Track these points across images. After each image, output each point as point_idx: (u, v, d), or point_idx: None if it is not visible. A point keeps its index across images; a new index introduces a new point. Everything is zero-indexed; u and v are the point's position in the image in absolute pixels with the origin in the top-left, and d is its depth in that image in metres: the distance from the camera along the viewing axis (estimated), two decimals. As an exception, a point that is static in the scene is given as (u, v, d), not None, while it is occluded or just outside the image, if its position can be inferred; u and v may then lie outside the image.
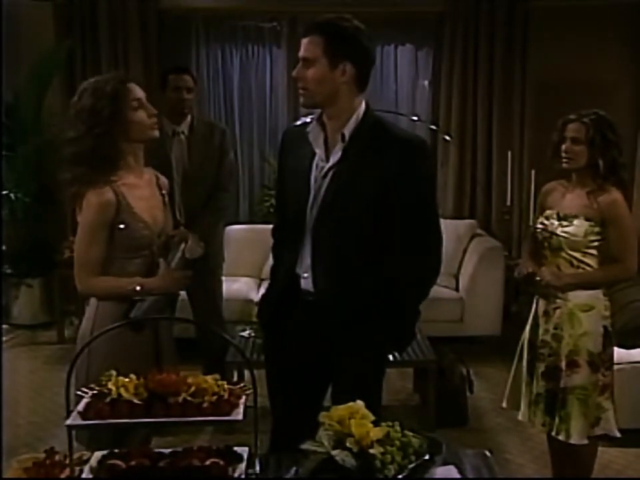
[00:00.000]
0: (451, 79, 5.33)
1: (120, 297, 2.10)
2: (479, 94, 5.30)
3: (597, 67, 5.25)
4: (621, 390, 3.08)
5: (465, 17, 5.22)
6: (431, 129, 5.37)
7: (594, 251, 2.61)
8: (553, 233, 2.65)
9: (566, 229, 2.61)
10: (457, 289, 4.85)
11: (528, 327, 2.79)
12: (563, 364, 2.62)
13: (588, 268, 2.61)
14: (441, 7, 5.29)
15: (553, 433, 2.65)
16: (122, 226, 2.09)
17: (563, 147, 2.62)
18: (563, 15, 5.14)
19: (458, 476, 1.65)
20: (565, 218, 2.63)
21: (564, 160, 2.63)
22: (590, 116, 2.58)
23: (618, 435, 2.67)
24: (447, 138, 5.32)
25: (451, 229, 4.75)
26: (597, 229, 2.58)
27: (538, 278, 2.66)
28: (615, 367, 2.73)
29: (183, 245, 2.24)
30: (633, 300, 3.64)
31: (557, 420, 2.63)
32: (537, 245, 2.75)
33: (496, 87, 5.27)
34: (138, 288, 2.09)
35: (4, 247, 5.04)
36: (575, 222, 2.60)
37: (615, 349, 2.73)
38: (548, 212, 2.72)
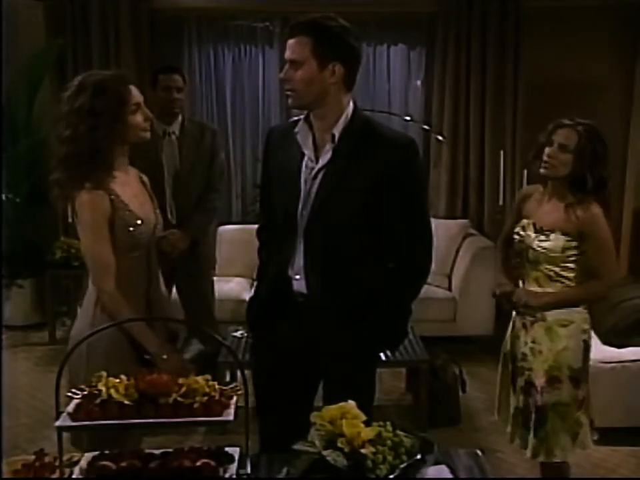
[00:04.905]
0: (443, 79, 5.33)
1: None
2: (472, 94, 5.30)
3: (588, 68, 5.26)
4: (612, 389, 3.10)
5: (457, 17, 5.22)
6: (424, 129, 5.37)
7: (572, 265, 2.49)
8: (530, 247, 2.53)
9: (543, 244, 2.49)
10: (449, 289, 4.85)
11: (508, 338, 2.69)
12: (539, 381, 2.51)
13: (567, 282, 2.50)
14: (434, 7, 5.29)
15: (528, 454, 2.55)
16: (121, 223, 2.06)
17: (547, 150, 2.46)
18: (555, 16, 5.16)
19: (450, 476, 1.65)
20: (542, 231, 2.51)
21: (544, 165, 2.46)
22: (584, 125, 2.44)
23: (592, 447, 2.59)
24: (440, 138, 5.32)
25: (443, 229, 4.76)
26: (574, 244, 2.46)
27: (514, 299, 2.57)
28: (607, 366, 2.75)
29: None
30: (623, 299, 3.65)
31: (535, 441, 2.53)
32: (515, 255, 2.65)
33: (488, 87, 5.28)
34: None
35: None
36: (552, 236, 2.47)
37: (606, 348, 2.74)
38: (524, 222, 2.60)
